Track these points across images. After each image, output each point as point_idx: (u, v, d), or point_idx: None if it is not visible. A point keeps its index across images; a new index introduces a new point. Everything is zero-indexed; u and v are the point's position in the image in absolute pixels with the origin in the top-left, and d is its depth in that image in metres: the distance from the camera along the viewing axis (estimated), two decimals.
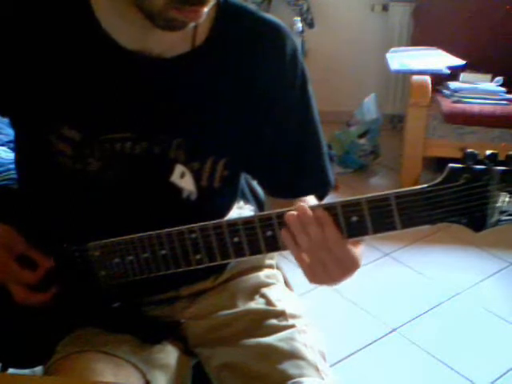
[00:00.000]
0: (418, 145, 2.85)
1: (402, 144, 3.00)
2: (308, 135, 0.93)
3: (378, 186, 3.19)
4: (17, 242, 0.90)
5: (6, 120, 1.00)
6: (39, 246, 0.91)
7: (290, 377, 0.86)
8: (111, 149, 0.85)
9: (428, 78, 2.80)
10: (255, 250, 0.77)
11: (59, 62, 0.83)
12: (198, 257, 0.80)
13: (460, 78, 3.00)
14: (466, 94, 2.88)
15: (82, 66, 0.83)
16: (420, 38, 3.25)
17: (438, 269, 2.41)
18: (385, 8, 3.60)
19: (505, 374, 1.85)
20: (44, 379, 0.89)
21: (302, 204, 0.74)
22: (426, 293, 2.25)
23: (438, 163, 2.97)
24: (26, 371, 1.05)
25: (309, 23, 3.51)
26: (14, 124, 0.93)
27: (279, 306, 0.98)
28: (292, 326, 0.95)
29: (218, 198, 0.93)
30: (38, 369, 1.03)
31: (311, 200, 0.93)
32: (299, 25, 3.30)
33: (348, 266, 0.77)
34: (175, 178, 0.87)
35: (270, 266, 1.09)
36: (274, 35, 0.87)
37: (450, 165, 0.68)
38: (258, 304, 0.99)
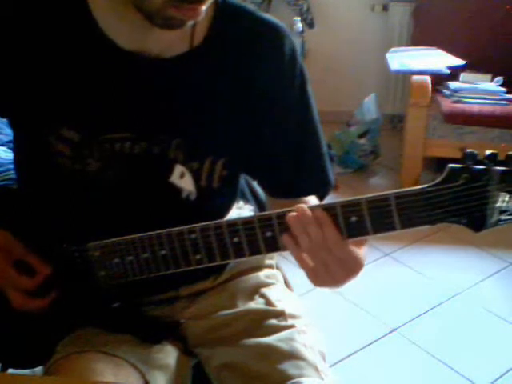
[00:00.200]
0: (418, 145, 2.85)
1: (402, 144, 3.00)
2: (308, 135, 0.93)
3: (378, 185, 3.19)
4: (15, 248, 0.90)
5: (5, 120, 1.00)
6: (38, 249, 0.90)
7: (289, 377, 0.86)
8: (110, 149, 0.85)
9: (428, 78, 2.80)
10: (255, 251, 0.77)
11: (58, 63, 0.83)
12: (198, 257, 0.80)
13: (460, 78, 3.00)
14: (465, 93, 2.88)
15: (80, 66, 0.83)
16: (420, 37, 3.25)
17: (438, 269, 2.41)
18: (385, 8, 3.61)
19: (505, 373, 1.85)
20: (44, 379, 0.89)
21: (301, 205, 0.74)
22: (426, 293, 2.25)
23: (438, 163, 2.97)
24: (26, 371, 1.05)
25: (309, 23, 3.51)
26: (12, 125, 0.93)
27: (279, 306, 0.98)
28: (292, 327, 0.95)
29: (217, 198, 0.93)
30: (38, 369, 1.03)
31: (312, 200, 0.93)
32: (299, 25, 3.30)
33: (351, 267, 0.76)
34: (175, 178, 0.87)
35: (270, 266, 1.09)
36: (273, 35, 0.87)
37: (450, 165, 0.68)
38: (257, 304, 0.99)
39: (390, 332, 2.03)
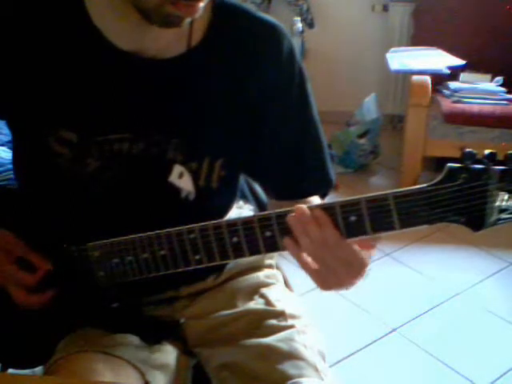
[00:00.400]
0: (418, 145, 2.85)
1: (402, 144, 3.00)
2: (308, 135, 0.92)
3: (378, 185, 3.19)
4: (15, 246, 0.90)
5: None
6: (38, 248, 0.91)
7: (289, 377, 0.86)
8: (109, 150, 0.85)
9: (428, 78, 2.80)
10: (254, 250, 0.77)
11: (56, 64, 0.83)
12: (198, 257, 0.80)
13: (460, 78, 3.00)
14: (465, 93, 2.88)
15: (77, 67, 0.83)
16: (420, 37, 3.26)
17: (438, 269, 2.41)
18: (385, 8, 3.61)
19: (505, 373, 1.84)
20: (44, 379, 0.89)
21: (300, 205, 0.74)
22: (426, 293, 2.25)
23: (438, 163, 2.97)
24: (26, 371, 1.05)
25: (309, 23, 3.51)
26: (10, 126, 0.93)
27: (279, 306, 0.98)
28: (291, 327, 0.95)
29: (216, 198, 0.93)
30: (38, 369, 1.03)
31: (315, 200, 0.93)
32: (299, 25, 3.30)
33: (355, 268, 0.76)
34: (174, 178, 0.87)
35: (270, 266, 1.09)
36: (270, 35, 0.87)
37: (449, 164, 0.68)
38: (257, 304, 0.99)
39: (390, 332, 2.03)
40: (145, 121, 0.85)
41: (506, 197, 0.66)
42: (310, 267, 0.76)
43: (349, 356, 1.91)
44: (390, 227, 0.71)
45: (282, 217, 0.75)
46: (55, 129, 0.85)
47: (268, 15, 0.90)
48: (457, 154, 0.67)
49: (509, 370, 1.86)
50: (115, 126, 0.85)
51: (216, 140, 0.88)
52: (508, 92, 2.87)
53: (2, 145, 1.43)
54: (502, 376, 1.83)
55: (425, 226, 0.70)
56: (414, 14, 3.37)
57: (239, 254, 0.78)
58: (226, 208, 0.99)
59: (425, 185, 0.68)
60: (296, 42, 0.90)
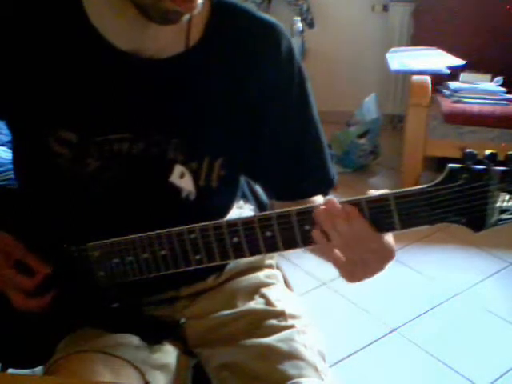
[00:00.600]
0: (418, 145, 2.85)
1: (402, 144, 3.00)
2: (308, 134, 0.92)
3: (378, 186, 3.18)
4: (14, 249, 0.90)
5: None
6: (38, 248, 0.91)
7: (289, 377, 0.86)
8: (109, 150, 0.85)
9: (428, 78, 2.80)
10: (255, 251, 0.77)
11: (55, 64, 0.83)
12: (198, 257, 0.80)
13: (460, 78, 3.00)
14: (465, 94, 2.88)
15: (76, 67, 0.83)
16: (420, 37, 3.26)
17: (438, 269, 2.41)
18: (385, 8, 3.61)
19: (505, 373, 1.84)
20: (44, 379, 0.89)
21: (329, 198, 0.73)
22: (426, 293, 2.25)
23: (438, 163, 2.97)
24: (26, 371, 1.05)
25: (309, 23, 3.51)
26: (10, 126, 0.93)
27: (279, 306, 0.98)
28: (291, 327, 0.95)
29: (216, 198, 0.93)
30: (38, 369, 1.03)
31: (319, 200, 0.92)
32: (299, 25, 3.30)
33: (386, 256, 0.76)
34: (174, 178, 0.87)
35: (270, 266, 1.09)
36: (269, 34, 0.87)
37: (450, 165, 0.68)
38: (257, 304, 0.99)
39: (390, 332, 2.03)
40: (144, 121, 0.85)
41: (507, 197, 0.66)
42: (341, 261, 0.76)
43: (349, 356, 1.91)
44: (390, 227, 0.72)
45: (282, 217, 0.75)
46: (55, 129, 0.85)
47: (268, 15, 0.89)
48: (457, 154, 0.67)
49: (509, 370, 1.86)
50: (115, 126, 0.85)
51: (216, 140, 0.88)
52: (508, 92, 2.87)
53: (2, 145, 1.43)
54: (502, 376, 1.83)
55: (425, 227, 0.70)
56: (414, 14, 3.37)
57: (240, 254, 0.78)
58: (227, 208, 0.99)
59: (425, 185, 0.68)
60: (296, 42, 0.90)
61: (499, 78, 2.95)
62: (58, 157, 0.86)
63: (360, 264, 0.75)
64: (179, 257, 0.81)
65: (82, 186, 0.88)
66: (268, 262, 1.08)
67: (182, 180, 0.88)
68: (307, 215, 0.75)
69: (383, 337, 2.01)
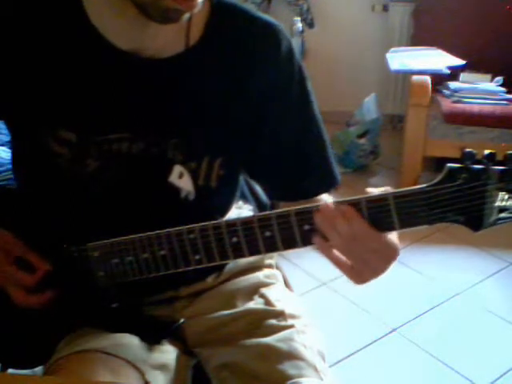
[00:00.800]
0: (418, 145, 2.85)
1: (402, 144, 3.00)
2: (310, 133, 0.92)
3: (378, 186, 3.14)
4: (14, 246, 0.90)
5: None
6: (38, 248, 0.91)
7: (289, 377, 0.86)
8: (109, 150, 0.85)
9: (428, 78, 2.80)
10: (254, 251, 0.77)
11: (55, 64, 0.83)
12: (197, 257, 0.80)
13: (460, 78, 3.00)
14: (465, 93, 2.88)
15: (76, 67, 0.83)
16: (420, 37, 3.26)
17: (438, 269, 2.41)
18: (385, 8, 3.61)
19: (505, 373, 1.84)
20: (44, 379, 0.89)
21: (324, 201, 0.74)
22: (426, 293, 2.25)
23: (438, 163, 2.96)
24: (26, 371, 1.05)
25: (309, 23, 3.51)
26: (9, 126, 0.93)
27: (278, 306, 0.98)
28: (291, 327, 0.95)
29: (215, 198, 0.93)
30: (38, 369, 1.03)
31: (324, 199, 0.92)
32: (299, 25, 3.30)
33: (388, 255, 0.76)
34: (174, 178, 0.87)
35: (270, 266, 1.09)
36: (268, 33, 0.87)
37: (449, 165, 0.68)
38: (257, 304, 0.99)
39: (390, 332, 2.03)
40: (144, 120, 0.85)
41: (506, 197, 0.66)
42: (344, 263, 0.76)
43: (349, 356, 1.91)
44: (389, 227, 0.72)
45: (281, 217, 0.75)
46: (54, 129, 0.85)
47: (268, 15, 0.90)
48: (457, 154, 0.67)
49: (509, 370, 1.86)
50: (114, 125, 0.85)
51: (215, 139, 0.88)
52: (508, 92, 2.87)
53: (2, 145, 1.43)
54: (502, 376, 1.84)
55: (425, 227, 0.70)
56: (414, 14, 3.37)
57: (239, 254, 0.78)
58: (226, 208, 0.99)
59: (424, 185, 0.68)
60: (296, 42, 0.90)
61: (499, 78, 2.95)
62: (58, 157, 0.86)
63: (362, 264, 0.75)
64: (179, 257, 0.81)
65: (82, 186, 0.88)
66: (268, 261, 1.08)
67: (181, 180, 0.88)
68: (306, 215, 0.75)
69: (383, 337, 2.01)
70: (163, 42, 0.83)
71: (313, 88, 0.91)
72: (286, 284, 1.11)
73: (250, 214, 1.08)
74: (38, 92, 0.85)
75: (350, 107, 3.42)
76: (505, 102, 2.83)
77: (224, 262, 0.80)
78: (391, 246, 0.75)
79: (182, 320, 0.99)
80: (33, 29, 0.83)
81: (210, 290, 1.01)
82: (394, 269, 0.77)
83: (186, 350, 0.99)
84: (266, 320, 0.95)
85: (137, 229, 0.83)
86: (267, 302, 0.99)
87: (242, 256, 0.78)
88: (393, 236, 0.76)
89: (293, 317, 0.97)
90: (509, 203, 0.66)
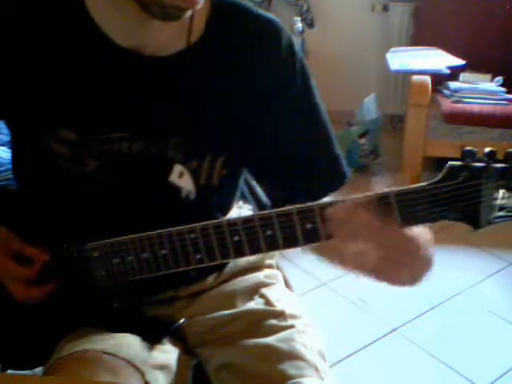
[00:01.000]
0: (418, 145, 2.85)
1: (402, 144, 3.00)
2: (315, 131, 0.91)
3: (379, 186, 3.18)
4: (11, 241, 0.90)
5: None
6: (36, 245, 0.90)
7: (289, 377, 0.86)
8: (109, 149, 0.85)
9: (428, 78, 2.80)
10: (255, 249, 0.77)
11: (55, 63, 0.83)
12: (198, 256, 0.80)
13: (460, 78, 3.00)
14: (465, 93, 2.89)
15: (77, 66, 0.83)
16: (420, 37, 3.26)
17: (438, 269, 2.40)
18: (385, 8, 3.61)
19: (505, 373, 1.85)
20: (44, 379, 0.89)
21: (336, 199, 0.72)
22: (427, 293, 2.25)
23: (438, 163, 2.96)
24: (26, 371, 1.05)
25: (309, 23, 3.51)
26: (9, 125, 0.93)
27: (279, 306, 0.98)
28: (291, 327, 0.94)
29: (217, 197, 0.93)
30: (38, 369, 1.03)
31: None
32: (299, 25, 3.30)
33: (410, 248, 0.74)
34: (174, 177, 0.87)
35: (270, 266, 1.08)
36: (269, 31, 0.87)
37: (450, 163, 0.68)
38: (257, 304, 0.98)
39: (390, 332, 2.03)
40: (144, 120, 0.85)
41: (507, 194, 0.66)
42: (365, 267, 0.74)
43: (349, 356, 1.91)
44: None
45: (282, 216, 0.75)
46: (55, 128, 0.85)
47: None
48: (457, 154, 0.67)
49: (509, 370, 1.86)
50: (114, 125, 0.85)
51: (216, 139, 0.88)
52: (508, 92, 2.87)
53: (2, 145, 1.43)
54: (502, 376, 1.84)
55: (426, 225, 0.70)
56: (414, 14, 3.38)
57: (240, 253, 0.78)
58: (227, 207, 0.99)
59: (425, 183, 0.68)
60: (296, 42, 0.90)
61: (499, 78, 2.95)
62: (58, 156, 0.86)
63: (389, 264, 0.74)
64: (180, 256, 0.81)
65: (82, 186, 0.88)
66: (268, 261, 1.08)
67: (181, 179, 0.88)
68: (308, 213, 0.74)
69: (383, 337, 2.01)
70: (165, 39, 0.83)
71: None
72: (287, 284, 1.11)
73: (250, 213, 1.08)
74: (38, 91, 0.84)
75: (350, 107, 3.43)
76: (505, 101, 2.84)
77: (225, 261, 0.80)
78: (413, 241, 0.73)
79: (182, 320, 0.99)
80: (33, 27, 0.83)
81: (211, 290, 1.01)
82: None
83: (186, 349, 0.98)
84: (267, 320, 0.95)
85: (137, 228, 0.83)
86: (267, 302, 0.98)
87: (244, 255, 0.78)
88: (420, 230, 0.74)
89: (293, 317, 0.97)
90: (510, 201, 0.66)
